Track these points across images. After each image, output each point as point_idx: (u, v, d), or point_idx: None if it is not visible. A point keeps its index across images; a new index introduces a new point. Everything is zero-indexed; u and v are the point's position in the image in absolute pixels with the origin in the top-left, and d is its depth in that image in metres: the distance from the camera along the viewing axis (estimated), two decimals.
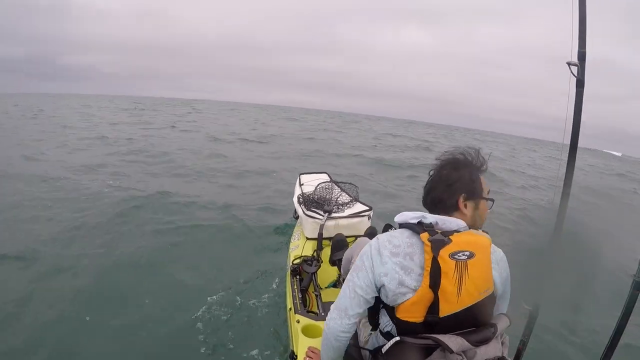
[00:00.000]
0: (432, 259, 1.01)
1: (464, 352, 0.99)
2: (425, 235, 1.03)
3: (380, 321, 1.19)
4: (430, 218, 1.08)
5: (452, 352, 0.97)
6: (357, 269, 1.12)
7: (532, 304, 1.38)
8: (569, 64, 1.28)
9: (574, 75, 1.28)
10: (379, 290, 1.10)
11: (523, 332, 1.42)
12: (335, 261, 2.16)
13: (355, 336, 1.38)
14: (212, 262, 3.12)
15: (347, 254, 1.79)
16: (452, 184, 1.09)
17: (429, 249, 1.01)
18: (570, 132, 1.32)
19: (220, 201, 4.89)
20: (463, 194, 1.09)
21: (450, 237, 1.03)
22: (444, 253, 1.00)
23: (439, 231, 1.05)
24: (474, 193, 1.10)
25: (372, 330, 1.27)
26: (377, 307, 1.17)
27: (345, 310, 1.12)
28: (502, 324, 1.09)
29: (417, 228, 1.07)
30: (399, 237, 1.08)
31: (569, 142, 1.32)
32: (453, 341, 0.99)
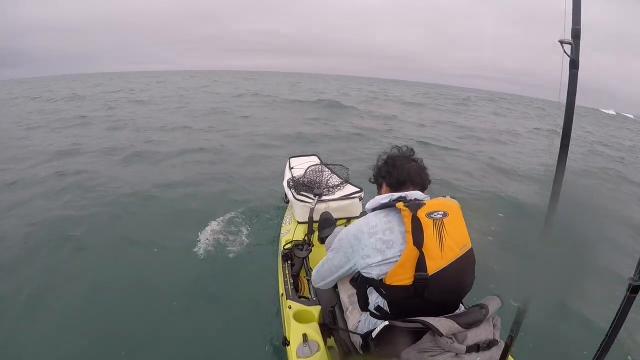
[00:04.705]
0: (412, 217, 1.07)
1: (454, 335, 0.99)
2: (400, 204, 1.12)
3: (370, 299, 1.21)
4: (398, 194, 1.20)
5: (441, 335, 0.96)
6: (335, 250, 1.25)
7: (520, 300, 1.31)
8: (561, 42, 1.16)
9: (567, 54, 1.17)
10: (362, 270, 1.17)
11: (511, 327, 1.36)
12: (323, 239, 2.20)
13: (345, 322, 1.40)
14: (202, 247, 3.10)
15: (328, 241, 1.81)
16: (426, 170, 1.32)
17: (407, 212, 1.08)
18: (564, 117, 1.22)
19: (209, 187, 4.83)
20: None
21: (423, 201, 1.15)
22: (421, 213, 1.08)
23: (412, 199, 1.18)
24: None
25: (362, 310, 1.28)
26: (365, 288, 1.20)
27: (325, 279, 1.35)
28: (493, 306, 1.11)
29: (390, 203, 1.14)
30: (374, 219, 1.14)
31: (561, 130, 1.22)
32: (442, 324, 0.98)
